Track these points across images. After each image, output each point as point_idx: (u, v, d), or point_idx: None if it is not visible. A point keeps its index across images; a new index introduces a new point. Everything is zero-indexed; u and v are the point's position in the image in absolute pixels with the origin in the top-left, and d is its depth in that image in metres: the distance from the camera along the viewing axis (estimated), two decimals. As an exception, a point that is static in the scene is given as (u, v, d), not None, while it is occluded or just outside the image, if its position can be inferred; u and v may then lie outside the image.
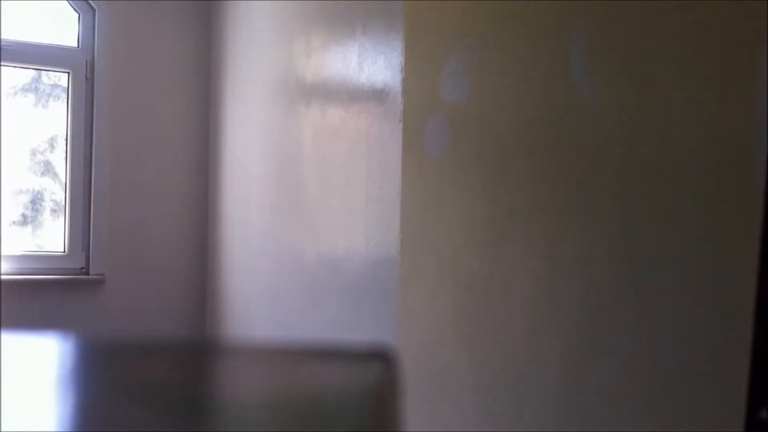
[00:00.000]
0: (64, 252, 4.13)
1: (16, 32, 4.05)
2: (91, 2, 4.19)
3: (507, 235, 2.05)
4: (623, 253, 1.71)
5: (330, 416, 0.39)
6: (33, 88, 4.26)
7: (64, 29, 4.19)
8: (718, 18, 1.51)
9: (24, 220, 4.23)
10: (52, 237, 4.20)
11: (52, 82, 4.26)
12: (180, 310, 4.35)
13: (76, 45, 4.20)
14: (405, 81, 2.47)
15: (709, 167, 1.53)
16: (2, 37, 3.93)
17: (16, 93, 4.21)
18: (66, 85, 4.17)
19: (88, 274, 4.15)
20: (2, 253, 3.97)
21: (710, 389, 1.51)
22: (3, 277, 3.88)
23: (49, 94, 4.28)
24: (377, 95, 2.65)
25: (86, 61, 4.18)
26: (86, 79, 4.17)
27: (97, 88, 4.18)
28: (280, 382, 0.47)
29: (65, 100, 4.16)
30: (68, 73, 4.16)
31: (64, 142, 4.17)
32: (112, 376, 0.49)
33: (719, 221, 1.50)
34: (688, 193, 1.57)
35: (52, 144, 4.29)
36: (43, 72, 4.24)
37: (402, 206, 2.47)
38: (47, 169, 4.31)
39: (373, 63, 2.69)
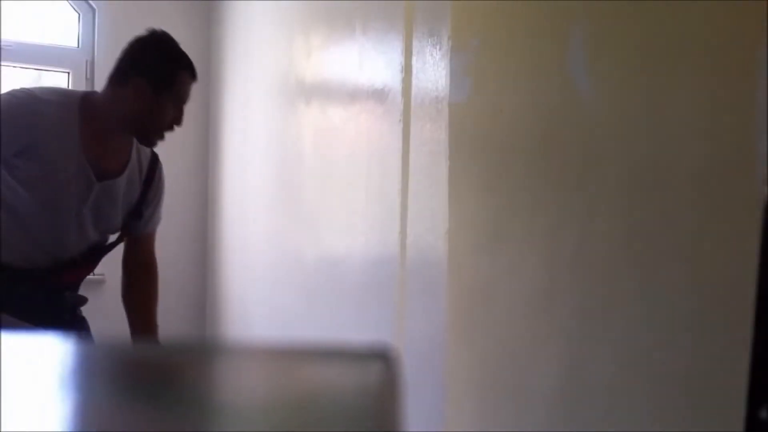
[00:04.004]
0: (64, 252, 4.12)
1: (16, 32, 4.05)
2: (91, 2, 4.18)
3: (507, 235, 2.05)
4: (623, 253, 1.71)
5: (330, 416, 0.39)
6: (33, 88, 4.25)
7: (64, 29, 4.19)
8: (718, 18, 1.51)
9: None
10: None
11: (51, 83, 4.26)
12: (180, 310, 4.35)
13: (76, 45, 4.20)
14: (405, 81, 2.47)
15: (709, 167, 1.52)
16: (2, 37, 3.92)
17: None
18: (66, 86, 4.17)
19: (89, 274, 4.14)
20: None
21: (710, 389, 1.51)
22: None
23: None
24: (377, 95, 2.65)
25: (86, 61, 4.17)
26: (86, 79, 4.16)
27: (97, 88, 4.17)
28: (280, 383, 0.47)
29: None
30: (68, 73, 4.16)
31: (64, 142, 4.15)
32: (112, 376, 0.48)
33: (719, 221, 1.50)
34: (688, 192, 1.57)
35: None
36: (43, 72, 4.24)
37: (402, 206, 2.47)
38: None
39: (373, 63, 2.69)
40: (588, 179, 1.81)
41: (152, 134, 2.03)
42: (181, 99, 2.02)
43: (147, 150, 2.14)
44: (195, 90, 2.13)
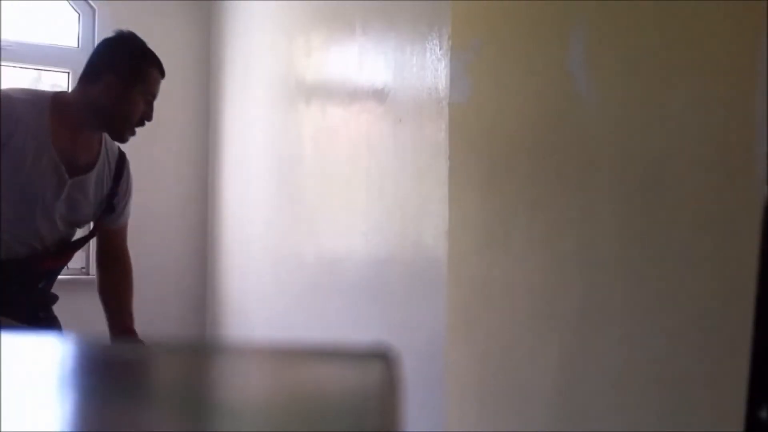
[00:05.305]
0: (64, 252, 4.12)
1: (16, 32, 4.05)
2: (91, 2, 4.18)
3: (507, 235, 2.05)
4: (623, 253, 1.71)
5: (330, 416, 0.39)
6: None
7: (64, 29, 4.19)
8: (717, 18, 1.51)
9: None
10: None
11: (51, 83, 4.26)
12: (180, 310, 4.35)
13: (76, 45, 4.20)
14: (405, 81, 2.47)
15: (709, 167, 1.53)
16: (2, 37, 3.92)
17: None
18: (66, 86, 4.17)
19: (88, 274, 4.14)
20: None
21: (710, 389, 1.51)
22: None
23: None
24: (377, 95, 2.65)
25: (86, 61, 4.17)
26: (86, 79, 4.16)
27: (97, 88, 4.17)
28: (280, 383, 0.47)
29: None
30: (68, 73, 4.16)
31: (64, 142, 4.15)
32: (112, 376, 0.48)
33: (719, 221, 1.50)
34: (688, 192, 1.57)
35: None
36: (43, 72, 4.24)
37: (402, 206, 2.47)
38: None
39: (373, 63, 2.69)
40: (588, 179, 1.81)
41: (123, 129, 2.12)
42: (150, 94, 2.11)
43: (114, 147, 2.23)
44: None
